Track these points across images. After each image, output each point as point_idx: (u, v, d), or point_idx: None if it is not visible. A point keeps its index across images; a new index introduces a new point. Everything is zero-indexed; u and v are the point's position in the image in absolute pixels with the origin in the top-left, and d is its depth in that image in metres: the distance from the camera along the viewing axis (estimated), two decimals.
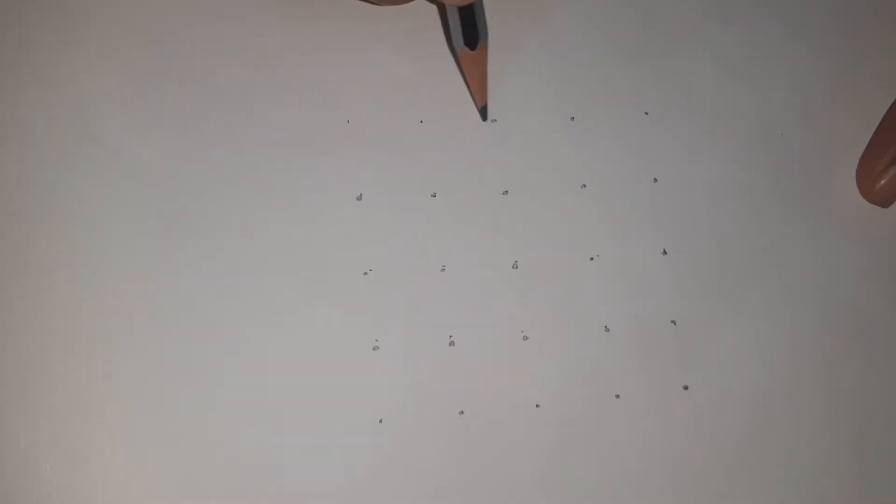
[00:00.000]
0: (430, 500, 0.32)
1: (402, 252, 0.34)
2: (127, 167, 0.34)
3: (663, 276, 0.35)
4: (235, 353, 0.33)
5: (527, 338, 0.34)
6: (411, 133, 0.35)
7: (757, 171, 0.36)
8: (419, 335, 0.33)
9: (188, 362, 0.32)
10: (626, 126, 0.36)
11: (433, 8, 0.35)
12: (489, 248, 0.34)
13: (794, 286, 0.35)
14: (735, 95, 0.36)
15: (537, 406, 0.33)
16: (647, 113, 0.36)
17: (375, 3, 0.35)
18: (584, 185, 0.35)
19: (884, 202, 0.35)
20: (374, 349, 0.33)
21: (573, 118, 0.36)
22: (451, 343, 0.33)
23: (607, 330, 0.34)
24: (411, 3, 0.34)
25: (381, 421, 0.33)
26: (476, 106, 0.35)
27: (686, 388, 0.34)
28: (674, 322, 0.34)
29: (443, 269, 0.34)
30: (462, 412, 0.33)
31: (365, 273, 0.34)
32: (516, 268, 0.34)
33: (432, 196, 0.34)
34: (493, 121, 0.35)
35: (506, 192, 0.35)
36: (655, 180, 0.35)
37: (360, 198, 0.34)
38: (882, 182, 0.35)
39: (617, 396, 0.34)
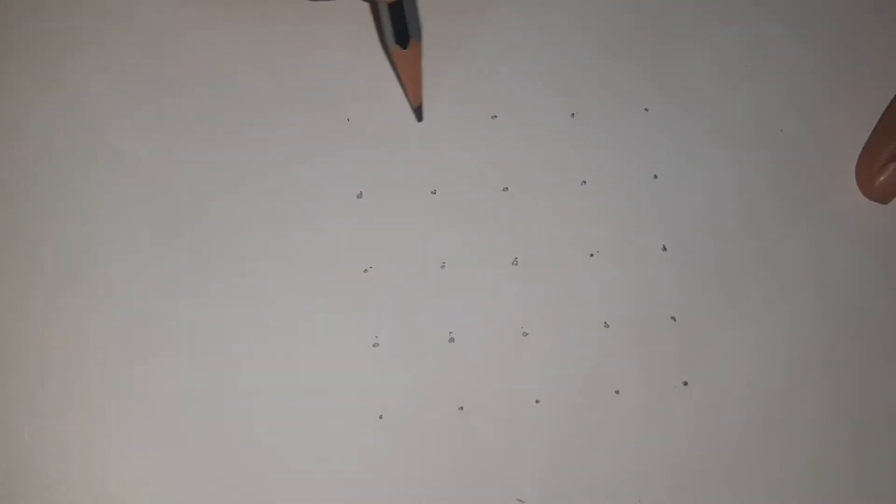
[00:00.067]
0: (430, 496, 0.32)
1: (403, 249, 0.34)
2: (130, 167, 0.34)
3: (663, 272, 0.35)
4: (236, 351, 0.33)
5: (527, 334, 0.34)
6: (411, 131, 0.35)
7: (756, 168, 0.36)
8: (419, 332, 0.33)
9: (190, 360, 0.33)
10: (626, 123, 0.36)
11: (433, 8, 0.35)
12: (489, 244, 0.34)
13: (794, 282, 0.35)
14: (735, 92, 0.37)
15: (537, 402, 0.33)
16: (647, 110, 0.36)
17: None
18: (584, 182, 0.35)
19: (883, 199, 0.35)
20: (374, 346, 0.33)
21: (573, 115, 0.36)
22: (451, 339, 0.33)
23: (607, 326, 0.34)
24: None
25: (381, 417, 0.33)
26: (410, 105, 0.35)
27: (686, 384, 0.34)
28: (673, 318, 0.34)
29: (443, 266, 0.34)
30: (462, 408, 0.33)
31: (365, 270, 0.34)
32: (516, 264, 0.34)
33: (432, 193, 0.35)
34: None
35: (506, 189, 0.35)
36: (655, 177, 0.35)
37: (360, 195, 0.34)
38: (881, 179, 0.35)
39: (616, 392, 0.34)
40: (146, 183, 0.34)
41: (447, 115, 0.35)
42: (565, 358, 0.34)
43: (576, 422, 0.33)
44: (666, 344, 0.34)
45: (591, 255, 0.35)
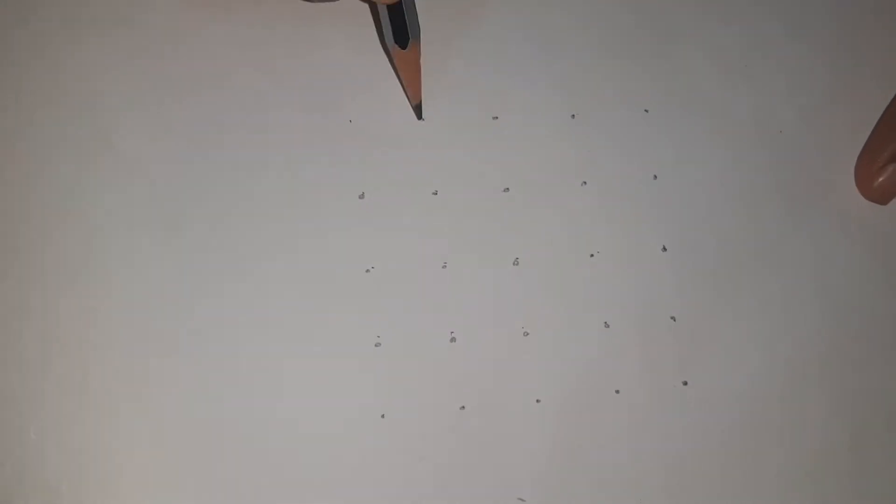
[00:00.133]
0: (431, 495, 0.32)
1: (404, 249, 0.34)
2: (133, 168, 0.34)
3: (663, 272, 0.35)
4: (238, 350, 0.33)
5: (527, 334, 0.34)
6: (413, 132, 0.35)
7: (756, 169, 0.36)
8: (421, 331, 0.33)
9: (192, 359, 0.33)
10: (626, 124, 0.36)
11: (432, 8, 0.36)
12: (490, 245, 0.34)
13: (793, 282, 0.35)
14: (734, 93, 0.37)
15: (538, 401, 0.33)
16: (646, 111, 0.36)
17: (310, 0, 0.35)
18: (585, 183, 0.35)
19: (882, 199, 0.35)
20: (376, 345, 0.33)
21: (574, 116, 0.36)
22: (453, 339, 0.34)
23: (607, 326, 0.34)
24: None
25: (383, 416, 0.33)
26: (410, 104, 0.35)
27: (685, 383, 0.34)
28: (673, 318, 0.34)
29: (444, 266, 0.34)
30: (463, 407, 0.33)
31: (367, 270, 0.34)
32: (517, 264, 0.34)
33: (434, 194, 0.35)
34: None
35: (507, 190, 0.35)
36: (655, 177, 0.36)
37: (362, 196, 0.34)
38: (880, 179, 0.35)
39: (617, 392, 0.34)
40: (148, 183, 0.34)
41: (448, 117, 0.35)
42: (566, 358, 0.34)
43: (576, 421, 0.33)
44: (666, 344, 0.34)
45: (592, 255, 0.35)
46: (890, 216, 0.36)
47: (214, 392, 0.33)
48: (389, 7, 0.32)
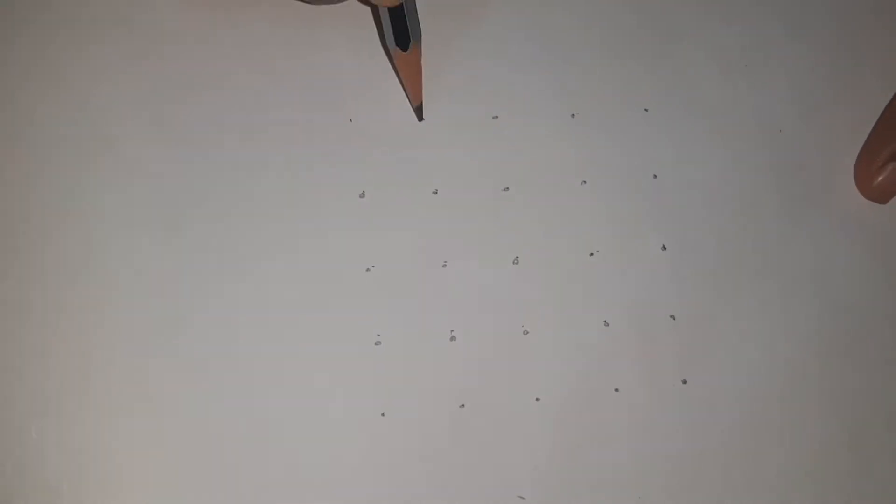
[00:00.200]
0: (431, 493, 0.33)
1: (404, 248, 0.34)
2: (133, 168, 0.34)
3: (663, 271, 0.35)
4: (239, 349, 0.33)
5: (527, 332, 0.34)
6: (413, 131, 0.35)
7: (756, 168, 0.36)
8: (421, 330, 0.34)
9: (194, 358, 0.33)
10: (625, 123, 0.36)
11: (433, 9, 0.36)
12: (490, 244, 0.34)
13: (793, 281, 0.35)
14: (734, 92, 0.37)
15: (537, 400, 0.33)
16: (646, 110, 0.36)
17: (310, 3, 0.35)
18: (585, 182, 0.35)
19: (881, 198, 0.35)
20: (376, 344, 0.33)
21: (574, 115, 0.36)
22: (453, 338, 0.34)
23: (607, 325, 0.34)
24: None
25: (383, 414, 0.33)
26: (410, 105, 0.35)
27: (685, 382, 0.34)
28: (673, 317, 0.34)
29: (444, 265, 0.34)
30: (463, 406, 0.33)
31: (367, 269, 0.34)
32: (517, 263, 0.34)
33: (434, 193, 0.35)
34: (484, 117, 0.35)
35: (507, 189, 0.35)
36: (655, 176, 0.36)
37: (362, 195, 0.34)
38: (879, 179, 0.35)
39: (616, 390, 0.34)
40: (149, 183, 0.34)
41: (448, 116, 0.35)
42: (565, 356, 0.34)
43: (576, 419, 0.33)
44: (665, 342, 0.34)
45: (592, 254, 0.35)
46: (889, 215, 0.36)
47: (214, 391, 0.33)
48: (391, 9, 0.32)
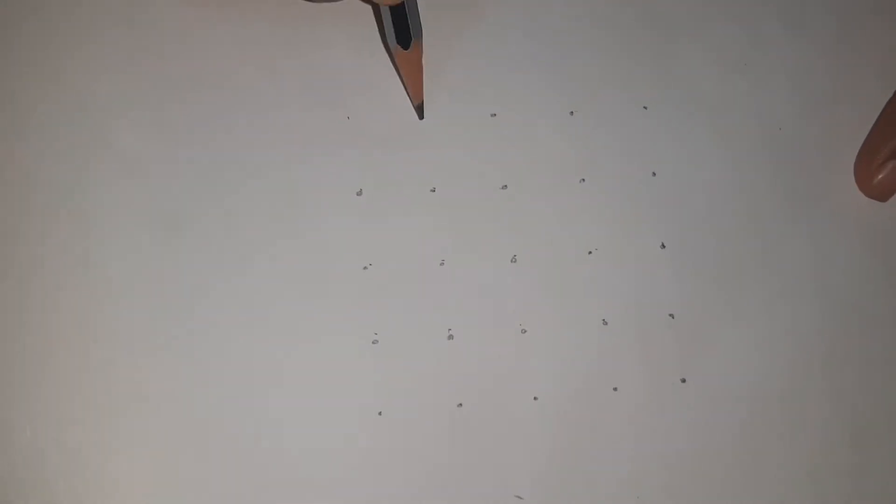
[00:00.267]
0: (428, 493, 0.32)
1: (402, 246, 0.34)
2: (131, 167, 0.34)
3: (662, 269, 0.35)
4: (236, 348, 0.33)
5: (525, 331, 0.34)
6: (411, 129, 0.35)
7: (755, 166, 0.36)
8: (418, 329, 0.33)
9: (191, 357, 0.33)
10: (624, 121, 0.36)
11: (433, 7, 0.36)
12: (488, 242, 0.34)
13: (792, 280, 0.35)
14: (734, 90, 0.37)
15: (535, 399, 0.33)
16: (645, 107, 0.36)
17: (311, 0, 0.35)
18: (583, 180, 0.35)
19: (881, 197, 0.35)
20: (373, 343, 0.33)
21: (572, 113, 0.36)
22: (450, 336, 0.33)
23: (605, 323, 0.34)
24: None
25: (380, 413, 0.33)
26: (411, 103, 0.35)
27: (684, 381, 0.34)
28: (672, 316, 0.34)
29: (442, 264, 0.34)
30: (461, 405, 0.33)
31: (365, 267, 0.34)
32: (515, 262, 0.34)
33: (432, 191, 0.35)
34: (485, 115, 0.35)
35: (505, 187, 0.35)
36: (654, 174, 0.35)
37: (360, 193, 0.34)
38: (880, 177, 0.35)
39: (615, 389, 0.34)
40: (147, 182, 0.34)
41: (447, 114, 0.35)
42: (564, 355, 0.34)
43: (574, 419, 0.33)
44: (664, 341, 0.34)
45: (590, 252, 0.35)
46: (890, 213, 0.36)
47: (212, 390, 0.33)
48: (392, 7, 0.32)
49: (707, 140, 0.36)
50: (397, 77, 0.35)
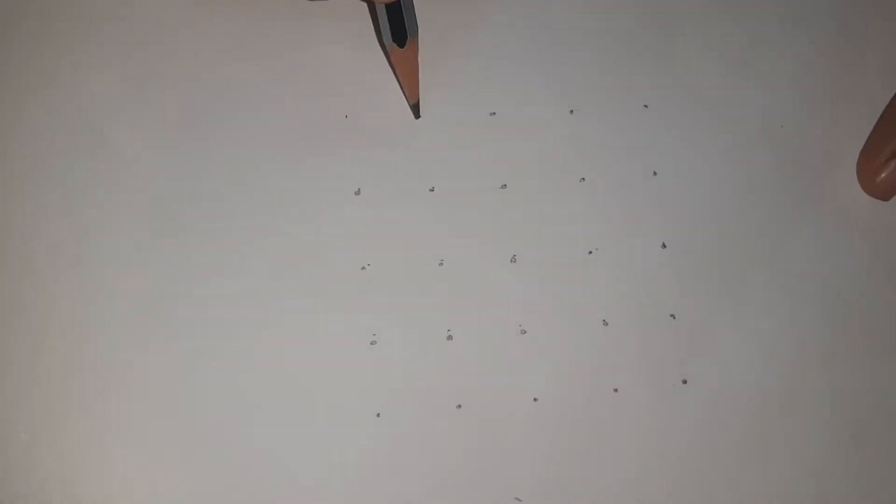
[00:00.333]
0: (428, 494, 0.32)
1: (401, 246, 0.34)
2: (128, 164, 0.34)
3: (663, 269, 0.35)
4: (234, 348, 0.33)
5: (525, 332, 0.34)
6: (409, 128, 0.35)
7: (757, 165, 0.36)
8: (417, 329, 0.33)
9: (187, 357, 0.33)
10: (625, 119, 0.36)
11: (430, 5, 0.35)
12: (487, 242, 0.34)
13: (794, 279, 0.35)
14: (735, 88, 0.36)
15: (535, 400, 0.33)
16: (646, 106, 0.36)
17: None
18: (584, 179, 0.35)
19: (884, 195, 0.35)
20: (371, 343, 0.33)
21: (572, 111, 0.36)
22: (449, 337, 0.33)
23: (606, 324, 0.34)
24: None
25: (378, 415, 0.33)
26: (407, 102, 0.35)
27: (685, 382, 0.34)
28: (673, 316, 0.34)
29: (441, 264, 0.34)
30: (460, 406, 0.33)
31: (363, 268, 0.34)
32: (515, 262, 0.34)
33: (430, 190, 0.34)
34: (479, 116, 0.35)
35: (504, 186, 0.35)
36: (655, 173, 0.35)
37: (358, 193, 0.34)
38: (882, 175, 0.35)
39: (615, 390, 0.33)
40: (143, 179, 0.34)
41: (446, 113, 0.35)
42: (564, 356, 0.34)
43: (574, 420, 0.33)
44: (665, 342, 0.34)
45: (590, 252, 0.34)
46: (892, 213, 0.36)
47: (208, 390, 0.32)
48: (387, 5, 0.32)
49: (708, 139, 0.36)
50: (395, 76, 0.35)
